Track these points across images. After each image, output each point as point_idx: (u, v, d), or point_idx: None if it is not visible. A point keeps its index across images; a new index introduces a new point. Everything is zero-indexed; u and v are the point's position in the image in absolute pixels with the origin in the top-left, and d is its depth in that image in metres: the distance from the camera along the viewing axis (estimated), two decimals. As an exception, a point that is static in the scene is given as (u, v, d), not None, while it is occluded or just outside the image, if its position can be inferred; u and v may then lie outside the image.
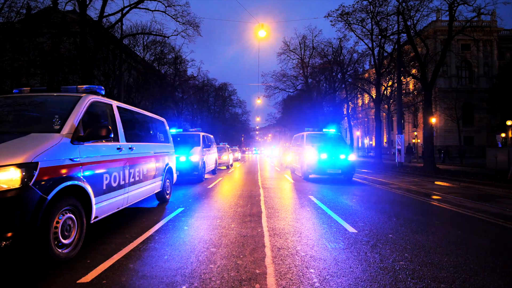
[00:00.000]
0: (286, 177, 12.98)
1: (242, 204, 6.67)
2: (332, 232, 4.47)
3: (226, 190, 9.02)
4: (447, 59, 35.46)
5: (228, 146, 24.42)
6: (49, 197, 2.87)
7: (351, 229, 4.65)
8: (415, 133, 39.36)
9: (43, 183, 2.84)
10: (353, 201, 7.18)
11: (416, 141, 37.87)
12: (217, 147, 18.10)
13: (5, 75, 20.84)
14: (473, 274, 3.01)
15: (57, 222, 3.07)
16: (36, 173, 2.78)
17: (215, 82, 47.78)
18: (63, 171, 3.14)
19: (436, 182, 11.90)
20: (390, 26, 21.35)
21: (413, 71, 26.41)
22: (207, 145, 12.82)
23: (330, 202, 7.02)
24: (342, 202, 7.02)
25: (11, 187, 2.60)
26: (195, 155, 10.87)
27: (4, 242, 2.54)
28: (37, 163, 2.82)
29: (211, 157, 13.55)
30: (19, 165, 2.68)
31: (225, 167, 19.67)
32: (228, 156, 20.02)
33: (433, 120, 21.43)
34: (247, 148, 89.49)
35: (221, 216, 5.52)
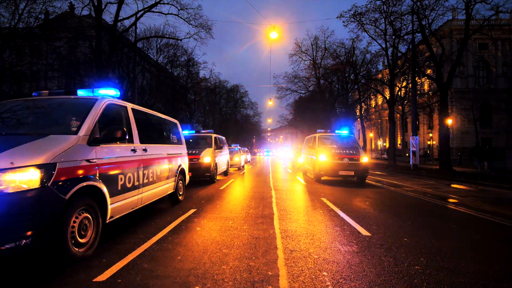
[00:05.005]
0: (298, 179, 12.91)
1: (254, 206, 6.67)
2: (345, 235, 4.42)
3: (238, 192, 9.04)
4: (464, 58, 34.44)
5: (240, 147, 24.49)
6: (67, 197, 2.95)
7: (364, 232, 4.59)
8: (431, 134, 38.54)
9: (61, 183, 2.92)
10: (367, 204, 7.07)
11: (431, 143, 37.06)
12: (229, 149, 18.17)
13: (24, 78, 21.56)
14: (492, 281, 2.91)
15: (74, 222, 3.15)
16: (55, 173, 2.86)
17: (227, 84, 48.17)
18: (80, 171, 3.22)
19: (452, 185, 11.61)
20: (404, 26, 21.02)
21: (428, 71, 25.85)
22: (219, 146, 12.88)
23: (343, 204, 6.94)
24: (355, 205, 6.93)
25: (31, 187, 2.68)
26: (207, 157, 10.94)
27: (24, 241, 2.62)
28: (55, 164, 2.90)
29: (223, 158, 13.61)
30: (38, 166, 2.76)
31: (236, 169, 19.73)
32: (239, 158, 20.06)
33: (449, 121, 20.97)
34: (258, 150, 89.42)
35: (233, 217, 5.54)
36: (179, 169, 6.79)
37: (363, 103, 38.05)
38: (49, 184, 2.79)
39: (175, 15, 20.71)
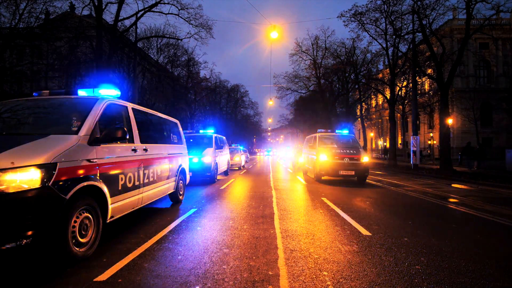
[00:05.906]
0: (299, 179, 12.91)
1: (255, 206, 6.68)
2: (346, 235, 4.42)
3: (238, 191, 9.04)
4: (464, 58, 34.36)
5: (240, 147, 24.54)
6: (67, 197, 2.95)
7: (365, 232, 4.59)
8: (431, 134, 38.45)
9: (61, 183, 2.92)
10: (367, 204, 7.07)
11: (432, 143, 37.00)
12: (229, 149, 18.19)
13: (25, 78, 21.58)
14: (493, 280, 2.91)
15: (75, 221, 3.15)
16: (55, 173, 2.86)
17: (227, 83, 48.26)
18: (81, 171, 3.23)
19: (453, 185, 11.60)
20: (405, 26, 20.98)
21: (429, 71, 25.78)
22: (219, 146, 12.88)
23: (343, 204, 6.94)
24: (356, 205, 6.93)
25: (32, 187, 2.69)
26: (208, 156, 10.95)
27: (24, 240, 2.62)
28: (56, 163, 2.90)
29: (223, 158, 13.61)
30: (39, 166, 2.76)
31: (237, 168, 19.74)
32: (240, 158, 20.12)
33: (449, 121, 20.96)
34: (258, 150, 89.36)
35: (234, 217, 5.54)
36: (180, 168, 6.79)
37: (363, 103, 38.03)
38: (49, 184, 2.80)
39: (176, 15, 20.71)
